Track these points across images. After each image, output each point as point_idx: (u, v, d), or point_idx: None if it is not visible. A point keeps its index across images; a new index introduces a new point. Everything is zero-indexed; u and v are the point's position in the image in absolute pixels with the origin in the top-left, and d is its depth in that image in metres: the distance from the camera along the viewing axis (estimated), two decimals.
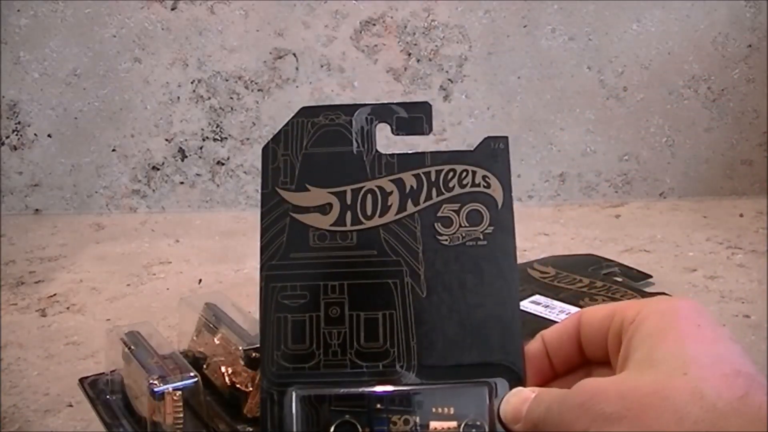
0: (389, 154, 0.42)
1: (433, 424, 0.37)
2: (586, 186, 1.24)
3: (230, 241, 1.08)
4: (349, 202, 0.41)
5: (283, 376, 0.38)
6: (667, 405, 0.29)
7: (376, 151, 0.42)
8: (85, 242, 1.07)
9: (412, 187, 0.41)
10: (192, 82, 1.19)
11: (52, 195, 1.21)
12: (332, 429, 0.37)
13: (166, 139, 1.20)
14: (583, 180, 1.24)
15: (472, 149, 0.42)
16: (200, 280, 0.93)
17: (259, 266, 0.40)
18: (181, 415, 0.55)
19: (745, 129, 1.25)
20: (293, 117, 0.43)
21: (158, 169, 1.21)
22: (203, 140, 1.21)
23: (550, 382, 0.38)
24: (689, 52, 1.22)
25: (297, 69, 1.19)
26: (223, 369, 0.61)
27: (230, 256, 1.01)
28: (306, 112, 0.43)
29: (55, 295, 0.88)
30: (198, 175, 1.22)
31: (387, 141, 0.44)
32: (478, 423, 0.37)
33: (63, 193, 1.21)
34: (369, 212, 0.41)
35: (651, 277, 0.89)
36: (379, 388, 0.38)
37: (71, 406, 0.64)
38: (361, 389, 0.38)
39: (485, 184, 0.41)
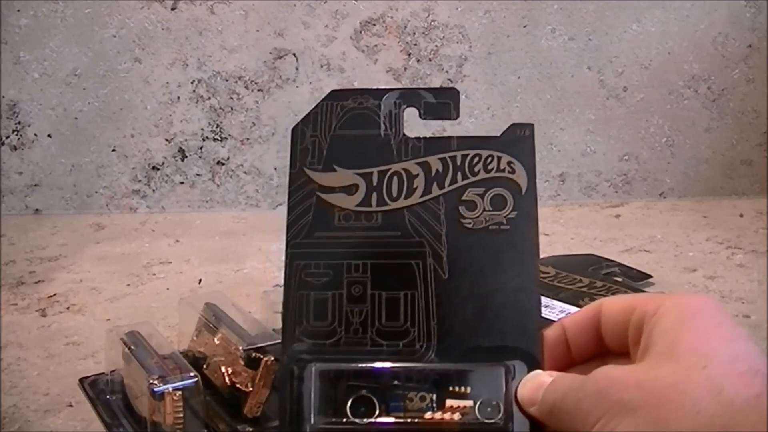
0: (416, 138, 0.42)
1: (449, 402, 0.37)
2: (586, 186, 1.24)
3: (230, 241, 1.08)
4: (375, 183, 0.42)
5: (303, 351, 0.39)
6: (684, 397, 0.29)
7: (403, 134, 0.43)
8: (85, 242, 1.07)
9: (437, 170, 0.42)
10: (192, 82, 1.19)
11: (52, 195, 1.20)
12: (349, 403, 0.38)
13: (166, 139, 1.20)
14: (583, 180, 1.24)
15: (498, 135, 0.42)
16: (200, 280, 0.93)
17: (284, 245, 0.41)
18: (181, 415, 0.55)
19: (745, 129, 1.25)
20: (323, 100, 0.44)
21: (158, 169, 1.21)
22: (203, 140, 1.21)
23: (567, 369, 0.38)
24: (689, 52, 1.22)
25: (297, 69, 1.19)
26: (223, 369, 0.61)
27: (230, 256, 1.01)
28: (335, 95, 0.44)
29: (55, 295, 0.88)
30: (198, 175, 1.22)
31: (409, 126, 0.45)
32: (494, 403, 0.37)
33: (63, 193, 1.21)
34: (394, 194, 0.41)
35: (651, 277, 0.89)
36: (397, 365, 0.38)
37: (71, 406, 0.64)
38: (378, 365, 0.38)
39: (510, 170, 0.41)
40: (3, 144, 1.19)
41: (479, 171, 0.41)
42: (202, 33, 1.17)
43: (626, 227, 1.11)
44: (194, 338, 0.67)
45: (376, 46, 1.19)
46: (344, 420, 0.38)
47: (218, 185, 1.22)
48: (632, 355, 0.35)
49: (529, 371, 0.37)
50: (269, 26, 1.18)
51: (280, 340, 0.61)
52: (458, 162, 0.42)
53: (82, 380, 0.66)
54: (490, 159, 0.42)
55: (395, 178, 0.42)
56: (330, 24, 1.18)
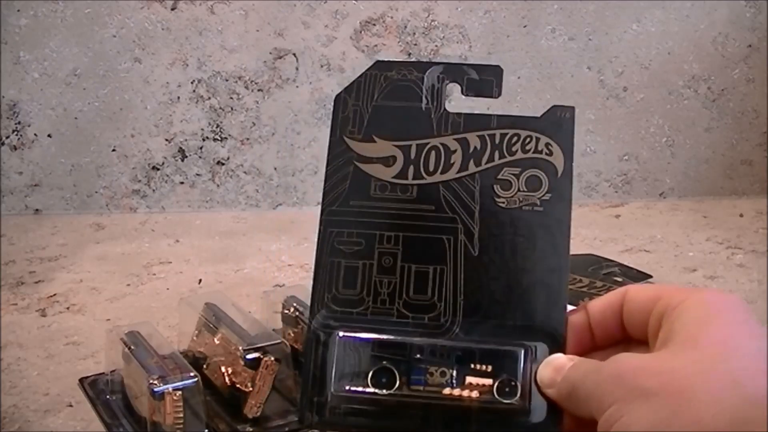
0: (456, 113, 0.43)
1: (468, 379, 0.38)
2: (586, 186, 1.24)
3: (230, 241, 1.08)
4: (412, 156, 0.42)
5: (330, 318, 0.39)
6: (704, 388, 0.30)
7: (444, 109, 0.43)
8: (85, 242, 1.07)
9: (475, 147, 0.42)
10: (192, 82, 1.19)
11: (52, 195, 1.20)
12: (370, 374, 0.38)
13: (166, 139, 1.20)
14: (583, 180, 1.24)
15: (538, 116, 0.42)
16: (200, 280, 0.93)
17: (319, 211, 0.42)
18: (181, 415, 0.55)
19: (745, 129, 1.25)
20: (367, 69, 0.44)
21: (158, 169, 1.21)
22: (203, 140, 1.21)
23: (588, 354, 0.38)
24: (689, 52, 1.22)
25: (297, 69, 1.19)
26: (223, 369, 0.61)
27: (230, 256, 1.01)
28: (380, 65, 0.44)
29: (55, 295, 0.88)
30: (198, 175, 1.22)
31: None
32: (513, 384, 0.37)
33: (63, 193, 1.21)
34: (431, 168, 0.42)
35: (651, 276, 0.89)
36: (421, 340, 0.39)
37: (71, 406, 0.64)
38: (403, 338, 0.39)
39: (547, 152, 0.41)
40: (3, 144, 1.18)
41: (517, 151, 0.42)
42: (202, 33, 1.17)
43: (626, 227, 1.11)
44: (194, 338, 0.67)
45: (376, 46, 1.19)
46: (365, 389, 0.38)
47: (218, 185, 1.22)
48: (651, 345, 0.35)
49: (551, 353, 0.38)
50: (269, 26, 1.18)
51: (279, 341, 0.61)
52: (497, 140, 0.42)
53: (82, 380, 0.66)
54: (528, 139, 0.42)
55: (433, 152, 0.42)
56: (330, 24, 1.18)
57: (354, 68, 1.19)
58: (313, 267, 0.40)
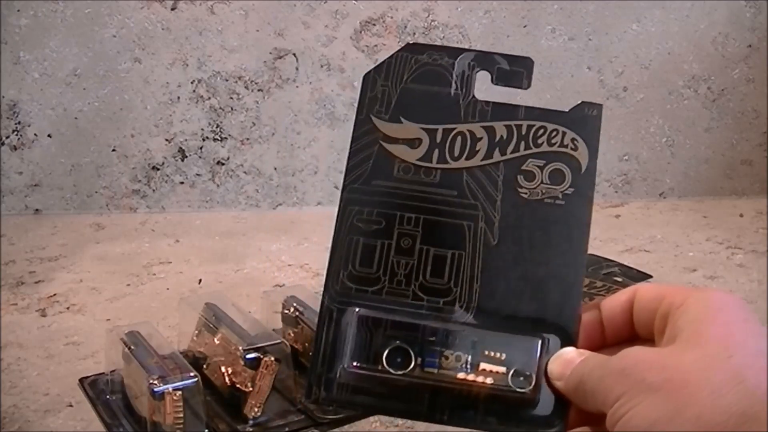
0: (485, 101, 0.43)
1: (483, 365, 0.38)
2: None
3: (230, 241, 1.08)
4: (438, 140, 0.42)
5: (345, 295, 0.40)
6: (706, 383, 0.30)
7: (473, 96, 0.43)
8: (85, 242, 1.07)
9: (502, 136, 0.42)
10: (192, 82, 1.19)
11: (52, 195, 1.20)
12: (386, 352, 0.38)
13: (166, 139, 1.20)
14: None
15: (567, 110, 0.43)
16: (200, 280, 0.93)
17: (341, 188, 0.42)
18: (181, 415, 0.55)
19: (745, 129, 1.25)
20: (398, 51, 0.44)
21: (158, 169, 1.21)
22: (203, 140, 1.21)
23: (599, 350, 0.38)
24: (689, 52, 1.22)
25: (297, 69, 1.19)
26: (223, 369, 0.61)
27: (230, 256, 1.01)
28: (412, 48, 0.44)
29: (55, 295, 0.88)
30: (198, 175, 1.22)
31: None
32: (527, 374, 0.38)
33: (63, 193, 1.21)
34: (456, 154, 0.42)
35: (651, 276, 0.89)
36: (437, 323, 0.39)
37: (71, 406, 0.64)
38: (420, 320, 0.39)
39: (573, 147, 0.42)
40: (3, 144, 1.18)
41: (542, 143, 0.42)
42: (202, 33, 1.17)
43: (626, 227, 1.11)
44: (194, 338, 0.67)
45: (376, 46, 1.19)
46: (377, 368, 0.38)
47: (218, 185, 1.22)
48: (657, 343, 0.36)
49: (562, 347, 0.38)
50: (269, 26, 1.18)
51: (279, 341, 0.61)
52: (523, 131, 0.42)
53: (82, 380, 0.66)
54: (555, 133, 0.42)
55: (459, 138, 0.42)
56: (330, 24, 1.18)
57: (354, 68, 1.19)
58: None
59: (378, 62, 0.43)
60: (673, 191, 1.25)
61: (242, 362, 0.58)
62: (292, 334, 0.67)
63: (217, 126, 1.20)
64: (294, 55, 1.19)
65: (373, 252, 0.40)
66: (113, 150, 1.20)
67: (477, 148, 0.42)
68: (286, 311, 0.68)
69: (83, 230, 1.13)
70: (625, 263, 0.92)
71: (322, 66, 1.19)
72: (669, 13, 1.20)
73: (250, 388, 0.58)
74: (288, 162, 1.22)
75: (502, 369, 0.38)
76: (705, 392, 0.30)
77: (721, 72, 1.22)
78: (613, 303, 0.39)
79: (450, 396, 0.38)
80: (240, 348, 0.59)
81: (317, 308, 0.69)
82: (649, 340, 0.37)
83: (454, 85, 0.43)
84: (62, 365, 0.72)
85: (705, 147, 1.25)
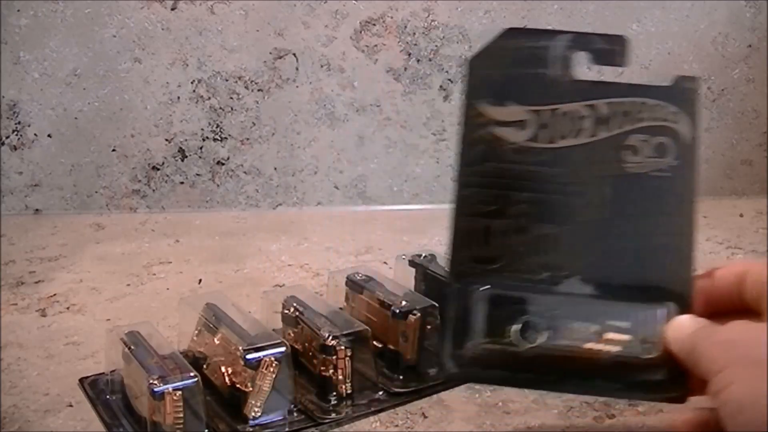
0: (586, 81, 0.44)
1: (608, 335, 0.39)
2: None
3: (230, 241, 1.08)
4: (544, 121, 0.43)
5: (468, 274, 0.41)
6: None
7: (573, 76, 0.44)
8: (85, 242, 1.07)
9: (604, 114, 0.43)
10: (192, 82, 1.19)
11: (52, 195, 1.20)
12: (516, 327, 0.40)
13: (166, 139, 1.20)
14: None
15: (666, 84, 0.44)
16: (200, 280, 0.93)
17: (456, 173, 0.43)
18: (181, 415, 0.55)
19: (745, 129, 1.25)
20: (497, 37, 0.45)
21: (158, 169, 1.21)
22: (203, 140, 1.21)
23: (711, 319, 0.39)
24: (689, 52, 1.22)
25: (297, 69, 1.19)
26: (223, 369, 0.61)
27: (230, 256, 1.01)
28: (510, 33, 0.45)
29: (55, 295, 0.88)
30: (198, 175, 1.22)
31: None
32: (654, 340, 0.39)
33: (63, 193, 1.21)
34: (562, 133, 0.43)
35: None
36: (563, 296, 0.40)
37: (71, 406, 0.64)
38: (544, 294, 0.40)
39: (674, 120, 0.43)
40: (3, 144, 1.18)
41: (645, 118, 0.43)
42: (202, 33, 1.17)
43: None
44: (194, 338, 0.67)
45: (376, 46, 1.19)
46: (507, 341, 0.39)
47: (218, 185, 1.22)
48: (764, 319, 0.37)
49: (679, 314, 0.39)
50: (269, 26, 1.18)
51: (279, 340, 0.61)
52: (625, 108, 0.43)
53: (82, 380, 0.66)
54: (656, 107, 0.43)
55: (563, 118, 0.43)
56: (330, 24, 1.18)
57: (354, 68, 1.19)
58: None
59: (478, 49, 0.45)
60: None
61: (242, 362, 0.58)
62: (292, 334, 0.67)
63: (217, 126, 1.20)
64: (294, 55, 1.19)
65: (491, 232, 0.42)
66: (113, 150, 1.20)
67: (582, 127, 0.43)
68: (286, 311, 0.68)
69: (83, 230, 1.13)
70: None
71: (322, 66, 1.19)
72: (669, 13, 1.20)
73: (250, 388, 0.58)
74: (288, 162, 1.22)
75: (628, 337, 0.39)
76: None
77: (721, 72, 1.22)
78: (727, 273, 0.40)
79: (578, 366, 0.39)
80: (240, 348, 0.59)
81: (317, 308, 0.70)
82: (758, 313, 0.37)
83: (554, 66, 0.44)
84: (62, 365, 0.72)
85: (705, 147, 1.25)
